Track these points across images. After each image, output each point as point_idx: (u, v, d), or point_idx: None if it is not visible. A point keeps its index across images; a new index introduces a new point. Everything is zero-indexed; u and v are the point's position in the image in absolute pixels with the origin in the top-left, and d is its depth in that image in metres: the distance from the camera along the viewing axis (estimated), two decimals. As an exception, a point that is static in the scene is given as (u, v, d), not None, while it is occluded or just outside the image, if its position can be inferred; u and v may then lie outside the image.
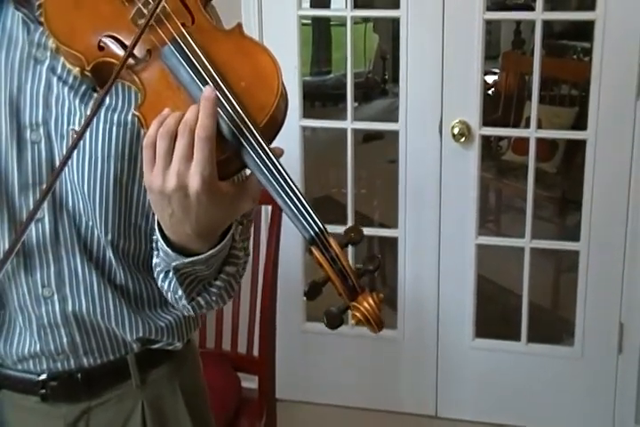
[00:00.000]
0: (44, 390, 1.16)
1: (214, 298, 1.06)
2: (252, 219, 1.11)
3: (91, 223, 1.10)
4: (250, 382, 2.28)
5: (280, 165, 0.88)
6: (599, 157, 2.57)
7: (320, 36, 6.73)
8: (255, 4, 2.71)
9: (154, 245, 1.06)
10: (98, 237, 1.11)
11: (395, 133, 2.76)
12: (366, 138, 5.04)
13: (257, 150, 0.88)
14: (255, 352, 2.28)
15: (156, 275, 1.08)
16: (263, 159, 0.88)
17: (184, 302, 1.05)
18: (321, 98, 6.04)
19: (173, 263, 0.97)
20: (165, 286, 1.06)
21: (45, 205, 1.07)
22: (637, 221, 2.58)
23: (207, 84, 0.89)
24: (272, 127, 0.91)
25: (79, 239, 1.11)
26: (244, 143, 0.88)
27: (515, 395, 2.85)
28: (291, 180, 0.88)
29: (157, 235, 0.97)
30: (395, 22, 6.54)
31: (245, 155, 0.88)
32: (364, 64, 6.77)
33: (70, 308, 1.12)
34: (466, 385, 2.88)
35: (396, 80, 6.86)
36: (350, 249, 2.40)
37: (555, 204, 3.88)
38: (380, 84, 6.88)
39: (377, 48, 6.88)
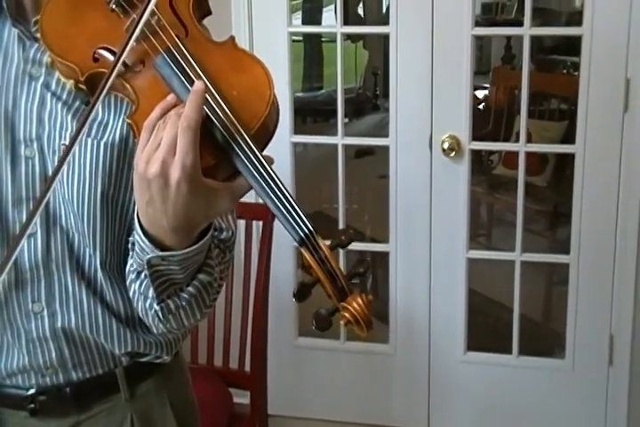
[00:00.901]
0: (32, 405, 1.16)
1: (184, 304, 1.05)
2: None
3: (81, 239, 1.10)
4: (242, 398, 2.29)
5: (271, 169, 0.89)
6: (588, 171, 2.59)
7: (312, 52, 6.77)
8: (246, 21, 2.74)
9: (129, 245, 1.06)
10: (89, 253, 1.12)
11: (385, 149, 2.78)
12: (358, 153, 5.07)
13: (248, 155, 0.89)
14: (247, 368, 2.28)
15: (128, 281, 1.08)
16: (254, 163, 0.89)
17: (154, 305, 1.03)
18: (312, 114, 6.06)
19: (147, 256, 0.97)
20: (136, 288, 1.04)
21: (38, 220, 1.08)
22: (626, 234, 2.60)
23: None
24: (263, 135, 0.93)
25: (71, 256, 1.11)
26: (236, 148, 0.89)
27: (507, 408, 2.85)
28: (281, 183, 0.89)
29: (136, 226, 0.97)
30: (385, 38, 6.60)
31: (236, 159, 0.89)
32: (356, 80, 6.81)
33: (60, 323, 1.13)
34: (458, 398, 2.89)
35: (386, 96, 6.88)
36: (342, 259, 2.41)
37: (545, 217, 3.90)
38: (372, 99, 6.92)
39: (367, 64, 6.92)
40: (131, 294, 1.08)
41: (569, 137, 3.81)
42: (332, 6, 7.07)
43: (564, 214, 3.82)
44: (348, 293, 0.88)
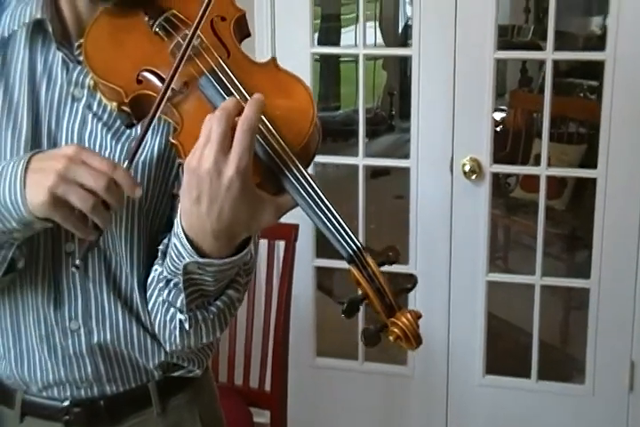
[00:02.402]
0: (67, 417, 1.18)
1: (212, 317, 1.05)
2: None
3: (119, 259, 1.12)
4: (261, 417, 2.28)
5: (317, 186, 0.90)
6: (609, 195, 2.59)
7: (329, 72, 6.81)
8: (269, 42, 2.76)
9: (159, 253, 1.06)
10: (126, 274, 1.13)
11: (402, 170, 2.79)
12: (374, 174, 5.08)
13: (294, 173, 0.90)
14: (267, 387, 2.28)
15: (153, 289, 1.07)
16: (301, 181, 0.90)
17: (179, 315, 1.04)
18: (331, 133, 6.09)
19: (185, 262, 0.96)
20: (164, 296, 1.04)
21: (77, 239, 1.09)
22: (648, 259, 2.59)
23: None
24: (308, 153, 0.94)
25: (108, 274, 1.12)
26: (282, 166, 0.90)
27: (525, 432, 2.84)
28: (328, 200, 0.90)
29: (176, 229, 0.96)
30: (402, 59, 6.65)
31: (283, 177, 0.90)
32: (373, 100, 6.84)
33: (95, 339, 1.15)
34: (476, 422, 2.87)
35: (402, 116, 6.95)
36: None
37: (563, 241, 3.90)
38: (387, 119, 6.94)
39: (385, 84, 6.96)
40: (152, 303, 1.08)
41: (588, 161, 3.82)
42: (352, 27, 7.16)
43: (582, 238, 3.82)
44: (396, 308, 0.88)
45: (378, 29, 6.99)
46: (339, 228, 0.89)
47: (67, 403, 1.18)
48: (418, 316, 0.88)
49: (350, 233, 0.89)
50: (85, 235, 0.99)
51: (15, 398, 1.20)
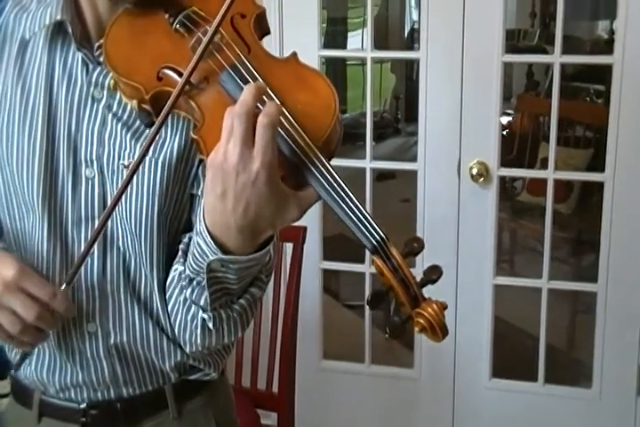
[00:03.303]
0: (84, 419, 1.19)
1: (235, 315, 1.05)
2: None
3: (138, 260, 1.12)
4: (269, 419, 2.28)
5: (340, 179, 0.89)
6: (617, 199, 2.59)
7: (335, 75, 6.81)
8: (277, 45, 2.76)
9: (180, 252, 1.05)
10: (145, 275, 1.13)
11: (408, 173, 2.79)
12: (379, 177, 5.08)
13: (317, 166, 0.89)
14: (275, 389, 2.28)
15: (172, 288, 1.07)
16: (324, 174, 0.89)
17: (203, 314, 1.03)
18: (338, 136, 6.09)
19: (209, 259, 0.95)
20: (187, 295, 1.04)
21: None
22: (655, 263, 2.59)
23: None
24: (330, 147, 0.93)
25: (126, 278, 1.13)
26: (305, 160, 0.89)
27: (531, 436, 2.83)
28: (352, 192, 0.89)
29: (200, 227, 0.95)
30: (409, 63, 6.65)
31: (306, 171, 0.90)
32: (380, 103, 6.84)
33: (112, 341, 1.15)
34: (482, 425, 2.87)
35: (409, 119, 6.95)
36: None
37: (570, 244, 3.90)
38: (393, 123, 6.94)
39: (393, 88, 6.96)
40: (172, 303, 1.08)
41: (595, 165, 3.82)
42: (358, 31, 7.16)
43: (589, 242, 3.82)
44: (421, 299, 0.87)
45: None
46: (362, 219, 0.88)
47: (84, 405, 1.19)
48: (444, 306, 0.87)
49: (374, 224, 0.88)
50: (18, 346, 1.07)
51: (33, 398, 1.21)
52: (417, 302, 0.87)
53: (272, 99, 0.92)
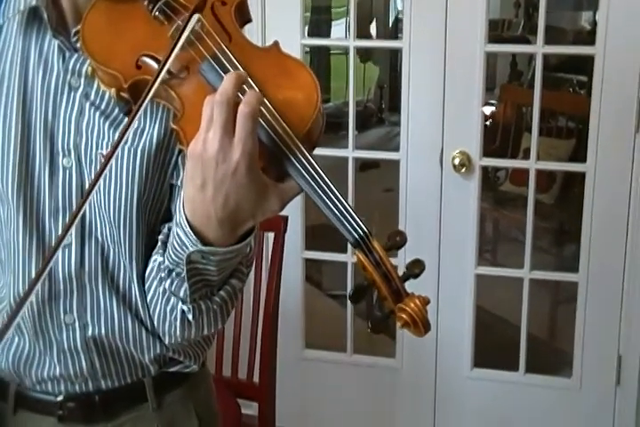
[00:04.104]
0: (61, 411, 1.17)
1: (215, 307, 1.04)
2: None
3: (117, 250, 1.10)
4: (250, 409, 2.28)
5: (322, 171, 0.88)
6: (598, 190, 2.60)
7: (319, 64, 6.79)
8: (259, 34, 2.75)
9: (159, 243, 1.04)
10: (124, 266, 1.11)
11: (391, 162, 2.78)
12: (362, 167, 5.07)
13: (299, 157, 0.88)
14: (255, 379, 2.28)
15: (151, 279, 1.06)
16: (305, 166, 0.88)
17: (182, 305, 1.02)
18: (320, 126, 6.08)
19: (189, 251, 0.94)
20: (166, 286, 1.02)
21: (73, 231, 1.07)
22: (636, 253, 2.60)
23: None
24: (312, 138, 0.92)
25: (105, 268, 1.11)
26: (286, 151, 0.88)
27: (513, 425, 2.85)
28: (333, 185, 0.88)
29: (179, 218, 0.94)
30: (393, 53, 6.64)
31: (287, 162, 0.88)
32: (363, 93, 6.83)
33: (90, 333, 1.13)
34: (464, 415, 2.88)
35: (392, 109, 6.94)
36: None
37: (552, 234, 3.91)
38: (377, 112, 6.93)
39: (377, 78, 6.95)
40: (151, 294, 1.07)
41: (577, 155, 3.83)
42: (342, 20, 7.13)
43: (570, 232, 3.84)
44: (404, 294, 0.87)
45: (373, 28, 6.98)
46: (344, 212, 0.87)
47: (61, 398, 1.17)
48: (426, 301, 0.86)
49: (356, 217, 0.87)
50: None
51: (9, 390, 1.19)
52: (399, 297, 0.86)
53: (253, 88, 0.91)
